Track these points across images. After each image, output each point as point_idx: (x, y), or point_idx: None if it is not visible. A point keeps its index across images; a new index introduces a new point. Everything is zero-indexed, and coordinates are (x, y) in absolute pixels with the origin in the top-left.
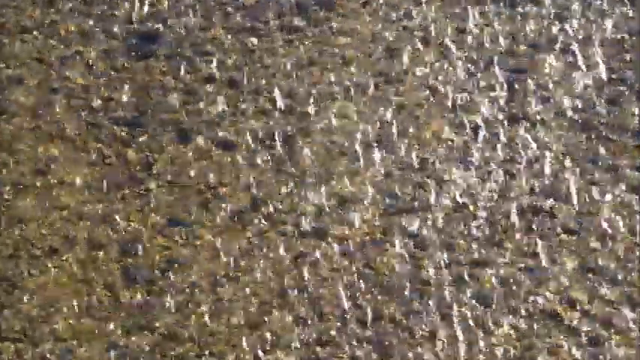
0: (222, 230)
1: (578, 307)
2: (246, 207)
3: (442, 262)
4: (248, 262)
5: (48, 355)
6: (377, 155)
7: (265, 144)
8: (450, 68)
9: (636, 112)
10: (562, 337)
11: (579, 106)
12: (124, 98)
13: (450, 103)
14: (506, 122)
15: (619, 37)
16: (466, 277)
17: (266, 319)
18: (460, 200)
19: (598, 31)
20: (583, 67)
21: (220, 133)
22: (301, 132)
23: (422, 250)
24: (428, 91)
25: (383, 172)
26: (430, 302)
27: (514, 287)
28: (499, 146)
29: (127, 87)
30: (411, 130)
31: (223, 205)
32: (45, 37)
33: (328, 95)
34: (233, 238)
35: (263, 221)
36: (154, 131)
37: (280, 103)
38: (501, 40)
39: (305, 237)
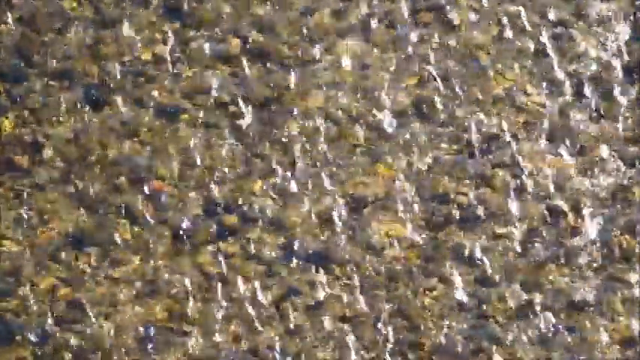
0: (159, 253)
1: None
2: (199, 215)
3: (520, 305)
4: (201, 305)
5: None
6: (414, 131)
7: (230, 112)
8: None
9: None
10: None
11: None
12: None
13: (533, 45)
14: (628, 77)
15: None
16: (561, 330)
17: None
18: (552, 204)
19: None
20: None
21: (155, 93)
22: (289, 92)
23: (488, 287)
24: (497, 25)
25: (423, 158)
26: None
27: None
28: (618, 117)
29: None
30: (468, 88)
31: (161, 212)
32: None
33: (334, 32)
34: (177, 267)
35: (226, 239)
36: (44, 90)
37: (255, 44)
38: None
39: (295, 266)
